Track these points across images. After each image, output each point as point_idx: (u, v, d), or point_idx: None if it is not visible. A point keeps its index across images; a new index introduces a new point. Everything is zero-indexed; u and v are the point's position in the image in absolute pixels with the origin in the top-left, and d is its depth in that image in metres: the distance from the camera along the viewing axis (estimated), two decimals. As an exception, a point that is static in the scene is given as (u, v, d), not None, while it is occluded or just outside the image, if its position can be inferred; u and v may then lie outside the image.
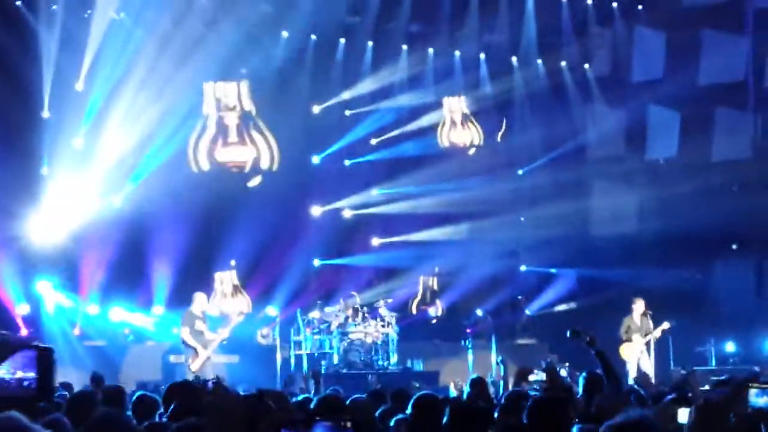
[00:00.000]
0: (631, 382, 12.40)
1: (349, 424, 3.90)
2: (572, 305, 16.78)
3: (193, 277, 14.48)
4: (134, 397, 6.86)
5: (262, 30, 15.41)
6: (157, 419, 6.02)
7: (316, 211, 16.61)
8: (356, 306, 14.49)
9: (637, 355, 13.75)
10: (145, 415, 6.09)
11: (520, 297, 17.17)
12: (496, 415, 6.03)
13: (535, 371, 10.31)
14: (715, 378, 9.58)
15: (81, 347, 14.10)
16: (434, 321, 16.29)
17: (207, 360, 12.70)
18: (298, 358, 14.15)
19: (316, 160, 16.71)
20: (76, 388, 8.48)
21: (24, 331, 13.49)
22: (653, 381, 13.03)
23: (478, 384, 8.31)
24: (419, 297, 16.34)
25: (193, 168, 15.44)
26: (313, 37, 16.27)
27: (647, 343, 13.82)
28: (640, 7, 17.08)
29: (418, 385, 11.97)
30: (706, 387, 8.85)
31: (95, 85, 14.55)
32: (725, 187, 16.19)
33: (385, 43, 16.76)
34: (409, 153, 16.91)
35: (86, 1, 14.43)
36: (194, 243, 14.75)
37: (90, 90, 14.59)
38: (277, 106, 15.81)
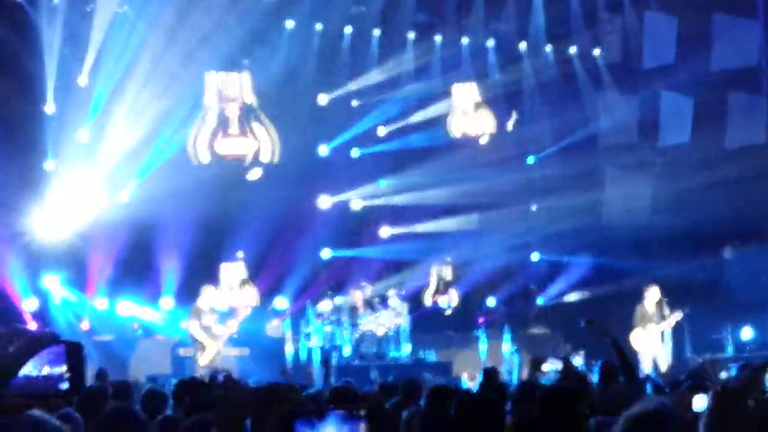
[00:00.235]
0: (646, 370, 12.31)
1: (362, 413, 3.84)
2: (585, 294, 16.64)
3: (202, 271, 14.42)
4: (143, 392, 6.80)
5: (266, 20, 15.30)
6: (167, 413, 5.99)
7: (323, 202, 16.46)
8: (367, 297, 14.42)
9: (651, 344, 13.62)
10: (155, 409, 6.04)
11: (532, 286, 17.04)
12: (509, 405, 5.98)
13: (549, 360, 10.20)
14: (733, 365, 9.49)
15: (89, 342, 14.03)
16: (448, 311, 16.11)
17: (216, 354, 12.63)
18: (309, 350, 14.06)
19: (323, 151, 16.56)
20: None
21: (32, 326, 13.44)
22: (666, 369, 12.96)
23: (490, 374, 8.24)
24: (432, 287, 16.17)
25: (192, 160, 15.33)
26: (319, 27, 16.14)
27: (661, 332, 13.70)
28: (649, -9, 16.95)
29: (431, 377, 11.88)
30: (724, 374, 8.74)
31: (99, 80, 14.46)
32: (740, 173, 16.01)
33: (391, 32, 16.62)
34: (418, 143, 16.78)
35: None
36: (202, 236, 14.66)
37: (94, 84, 14.50)
38: (282, 97, 15.69)
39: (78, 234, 14.37)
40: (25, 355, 2.62)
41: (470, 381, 11.91)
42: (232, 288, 13.75)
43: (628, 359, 6.91)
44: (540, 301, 17.01)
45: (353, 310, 14.23)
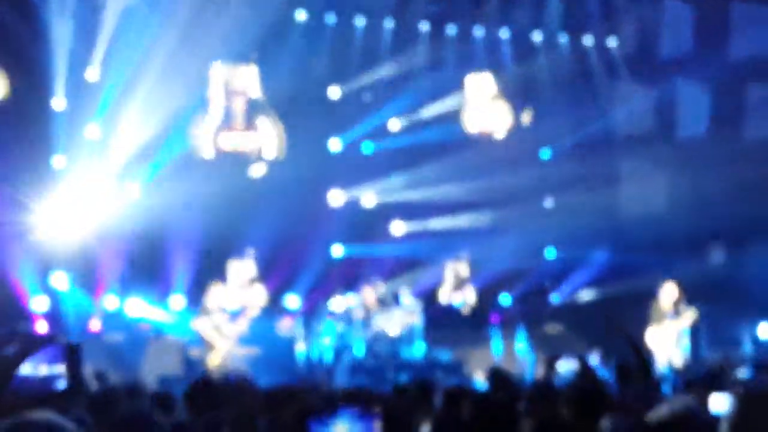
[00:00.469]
0: (661, 368, 12.17)
1: (377, 411, 3.78)
2: (601, 291, 16.47)
3: (213, 269, 14.29)
4: (153, 394, 6.69)
5: (279, 12, 15.16)
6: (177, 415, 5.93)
7: (335, 198, 16.30)
8: (380, 295, 14.29)
9: (667, 341, 13.47)
10: (164, 412, 5.96)
11: (546, 284, 16.86)
12: (524, 404, 5.94)
13: (564, 359, 10.04)
14: (748, 364, 9.37)
15: (99, 342, 13.97)
16: (465, 308, 15.93)
17: (227, 353, 12.52)
18: (320, 349, 13.94)
19: (335, 145, 16.38)
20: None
21: (41, 324, 13.40)
22: (682, 367, 12.83)
23: (496, 374, 8.12)
24: (446, 284, 15.97)
25: (196, 154, 15.21)
26: (330, 19, 16.00)
27: (677, 330, 13.54)
28: (667, -20, 16.75)
29: (443, 377, 11.76)
30: (739, 373, 8.61)
31: (110, 74, 14.35)
32: (758, 165, 15.80)
33: (404, 23, 16.45)
34: (431, 138, 16.59)
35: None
36: (214, 234, 14.55)
37: (105, 79, 14.39)
38: (293, 91, 15.53)
39: (88, 232, 14.27)
40: (23, 356, 2.68)
41: (484, 381, 11.77)
42: (240, 286, 13.61)
43: (644, 358, 6.80)
44: (555, 299, 16.83)
45: (365, 309, 14.10)
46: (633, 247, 15.94)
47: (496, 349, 14.81)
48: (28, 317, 13.11)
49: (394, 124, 16.60)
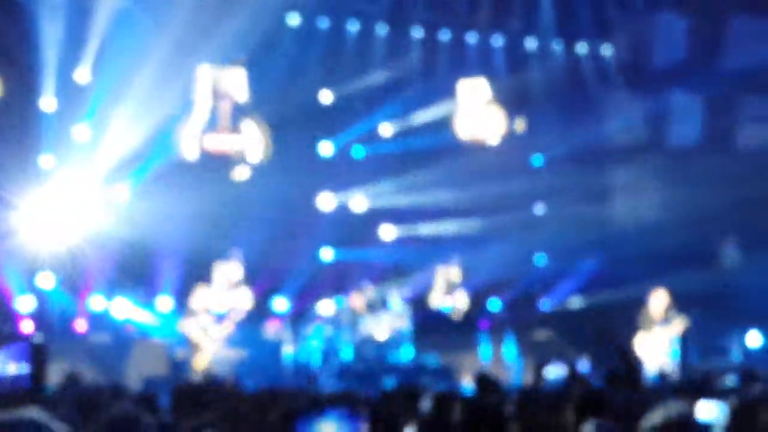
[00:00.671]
0: (649, 375, 12.15)
1: (364, 412, 3.75)
2: (590, 299, 16.44)
3: (201, 271, 14.23)
4: (137, 395, 6.63)
5: (271, 16, 15.11)
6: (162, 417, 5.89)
7: (325, 202, 16.24)
8: (369, 299, 14.24)
9: (656, 348, 13.45)
10: (148, 413, 5.90)
11: (536, 291, 16.82)
12: (513, 409, 5.91)
13: (553, 365, 10.03)
14: (734, 372, 9.33)
15: (85, 343, 13.91)
16: (456, 313, 15.87)
17: (214, 355, 12.46)
18: (308, 352, 13.88)
19: (325, 149, 16.33)
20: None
21: (26, 324, 13.32)
22: (671, 375, 12.80)
23: (486, 380, 8.08)
24: (437, 289, 15.91)
25: (182, 156, 15.14)
26: (323, 23, 15.97)
27: (667, 337, 13.53)
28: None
29: (430, 381, 11.72)
30: (727, 381, 8.57)
31: (100, 76, 14.30)
32: (751, 175, 15.81)
33: (397, 28, 16.43)
34: (423, 144, 16.55)
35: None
36: (202, 236, 14.47)
37: (95, 80, 14.35)
38: (285, 94, 15.49)
39: (75, 232, 14.19)
40: None
41: (471, 386, 11.74)
42: (226, 288, 13.53)
43: (633, 365, 6.79)
44: (544, 305, 16.79)
45: (354, 313, 14.04)
46: (624, 255, 15.91)
47: (484, 354, 14.78)
48: (13, 317, 13.03)
49: (386, 129, 16.55)
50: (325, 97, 16.23)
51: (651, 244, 16.03)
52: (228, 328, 12.65)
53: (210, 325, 12.54)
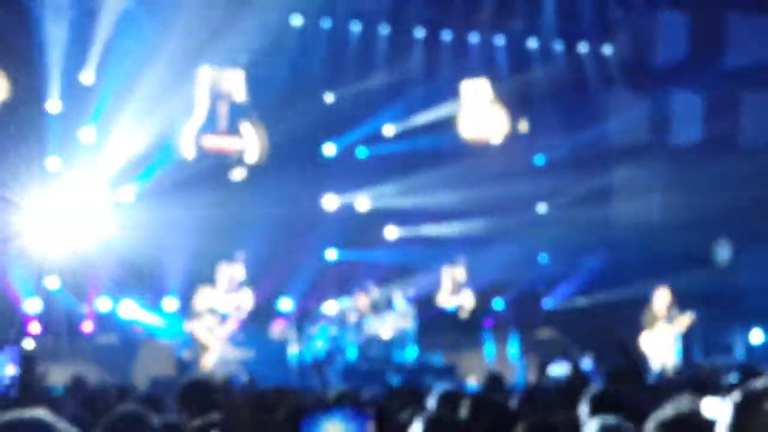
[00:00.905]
0: (654, 372, 12.20)
1: (370, 411, 3.78)
2: (594, 297, 16.48)
3: (207, 272, 14.27)
4: (143, 396, 6.67)
5: (274, 16, 15.16)
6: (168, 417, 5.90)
7: (329, 202, 16.29)
8: (373, 299, 14.28)
9: (660, 346, 13.49)
10: (154, 413, 5.94)
11: (540, 289, 16.86)
12: (518, 407, 5.96)
13: (556, 364, 10.08)
14: (741, 368, 9.36)
15: (91, 344, 13.94)
16: (462, 312, 15.89)
17: (218, 356, 12.50)
18: (313, 352, 13.92)
19: (329, 150, 16.38)
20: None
21: (33, 327, 13.35)
22: (674, 372, 12.83)
23: (494, 378, 8.14)
24: (444, 289, 15.95)
25: (183, 156, 15.18)
26: (326, 24, 16.01)
27: (671, 334, 13.56)
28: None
29: (435, 380, 11.76)
30: (729, 378, 8.61)
31: (106, 78, 14.33)
32: (752, 173, 15.84)
33: (399, 28, 16.46)
34: (426, 144, 16.59)
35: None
36: (208, 237, 14.50)
37: (100, 82, 14.38)
38: (288, 95, 15.53)
39: (81, 234, 14.23)
40: None
41: (477, 384, 11.78)
42: (229, 289, 13.58)
43: (637, 363, 6.83)
44: (548, 304, 16.83)
45: (358, 313, 14.09)
46: (626, 254, 15.96)
47: (488, 353, 14.81)
48: (20, 319, 13.06)
49: (389, 130, 16.60)
50: (329, 97, 16.28)
51: (653, 243, 16.07)
52: (231, 328, 12.66)
53: (215, 325, 12.57)
